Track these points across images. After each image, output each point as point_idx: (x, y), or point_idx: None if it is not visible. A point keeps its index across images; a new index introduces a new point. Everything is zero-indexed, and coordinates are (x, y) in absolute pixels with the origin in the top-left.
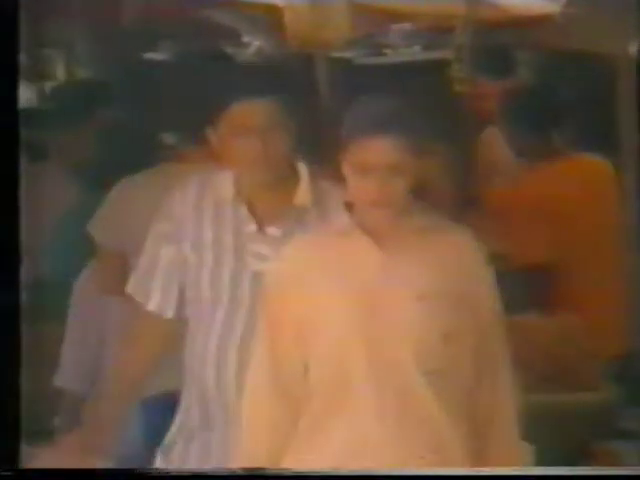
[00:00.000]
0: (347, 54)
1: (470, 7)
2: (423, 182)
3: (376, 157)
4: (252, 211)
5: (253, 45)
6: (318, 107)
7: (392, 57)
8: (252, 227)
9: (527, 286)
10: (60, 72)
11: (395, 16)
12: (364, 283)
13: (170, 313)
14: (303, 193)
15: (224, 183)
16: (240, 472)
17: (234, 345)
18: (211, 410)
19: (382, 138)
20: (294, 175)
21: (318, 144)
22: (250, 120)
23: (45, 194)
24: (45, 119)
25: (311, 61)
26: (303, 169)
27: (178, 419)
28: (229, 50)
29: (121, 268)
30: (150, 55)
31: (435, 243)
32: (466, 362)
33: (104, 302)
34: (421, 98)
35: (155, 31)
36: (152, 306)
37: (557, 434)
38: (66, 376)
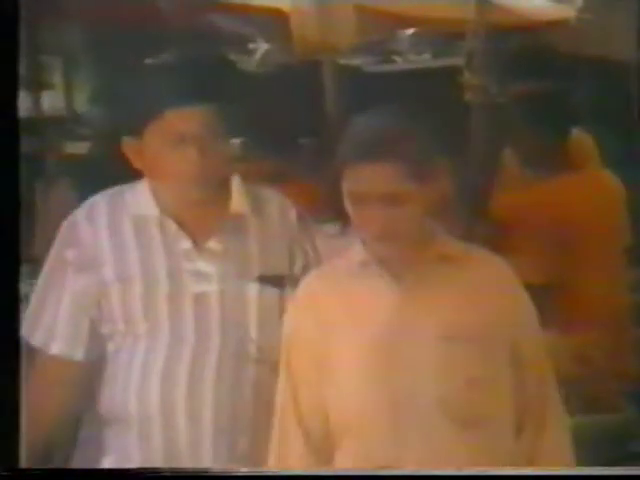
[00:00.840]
0: (355, 61)
1: (481, 11)
2: (435, 205)
3: (372, 185)
4: (182, 227)
5: (259, 52)
6: (325, 116)
7: (401, 64)
8: (186, 244)
9: (540, 304)
10: (58, 80)
11: (403, 21)
12: (381, 324)
13: (79, 355)
14: (238, 200)
15: (141, 199)
16: (241, 473)
17: (182, 383)
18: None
19: (377, 164)
20: (225, 186)
21: (325, 157)
22: (186, 127)
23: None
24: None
25: (318, 68)
26: (235, 180)
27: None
28: (233, 57)
29: None
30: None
31: (461, 274)
32: (500, 410)
33: None
34: (431, 107)
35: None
36: (55, 349)
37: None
38: None
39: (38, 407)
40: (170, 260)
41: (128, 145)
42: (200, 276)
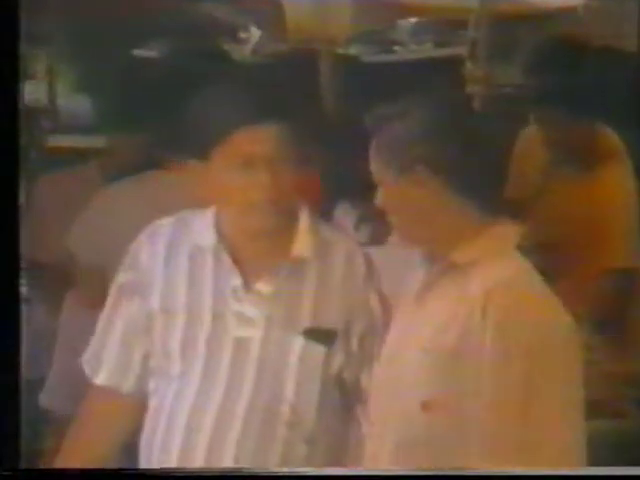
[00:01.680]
0: (353, 50)
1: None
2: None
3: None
4: (237, 262)
5: (251, 41)
6: (322, 109)
7: (401, 54)
8: (236, 281)
9: None
10: (41, 71)
11: (404, 9)
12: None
13: (126, 387)
14: (303, 242)
15: (203, 227)
16: (242, 472)
17: (205, 436)
18: None
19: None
20: (291, 220)
21: (324, 152)
22: (257, 148)
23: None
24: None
25: (314, 58)
26: (304, 213)
27: None
28: (226, 47)
29: (102, 283)
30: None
31: (461, 284)
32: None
33: (90, 319)
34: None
35: (145, 26)
36: (101, 379)
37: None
38: (52, 396)
39: (85, 439)
40: (217, 297)
41: (193, 169)
42: (243, 319)
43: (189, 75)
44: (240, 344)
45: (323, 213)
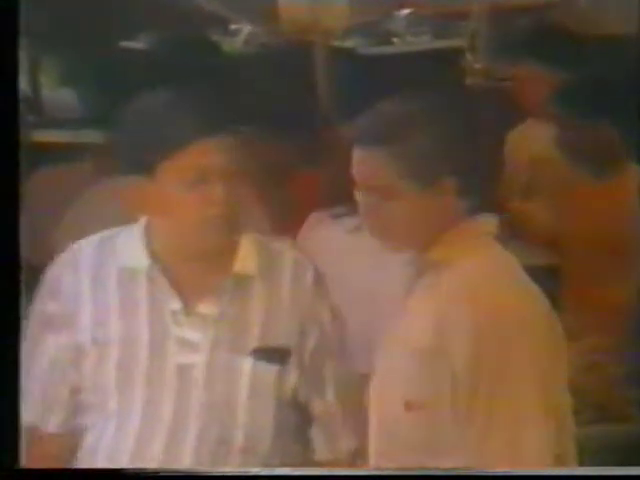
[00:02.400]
0: (348, 43)
1: None
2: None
3: (364, 175)
4: (175, 284)
5: (243, 33)
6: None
7: (398, 46)
8: (175, 304)
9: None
10: (23, 62)
11: (400, 0)
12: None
13: (52, 426)
14: (246, 258)
15: (131, 247)
16: (242, 473)
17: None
18: None
19: (373, 152)
20: (233, 235)
21: (316, 147)
22: (210, 160)
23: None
24: None
25: (309, 51)
26: (246, 227)
27: None
28: (216, 39)
29: None
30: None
31: (445, 279)
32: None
33: None
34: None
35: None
36: (27, 417)
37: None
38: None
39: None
40: (154, 323)
41: (134, 186)
42: (186, 344)
43: (177, 67)
44: (183, 371)
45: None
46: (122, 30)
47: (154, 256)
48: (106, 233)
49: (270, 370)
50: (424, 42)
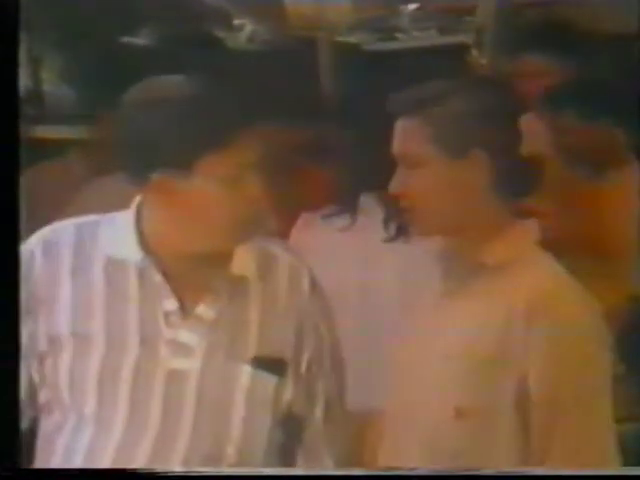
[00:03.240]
0: (353, 38)
1: None
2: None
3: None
4: (170, 282)
5: (246, 29)
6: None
7: (403, 42)
8: (171, 304)
9: None
10: (23, 57)
11: None
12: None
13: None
14: (243, 258)
15: (122, 238)
16: (242, 473)
17: None
18: None
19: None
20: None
21: (321, 143)
22: (249, 156)
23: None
24: None
25: (313, 46)
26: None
27: None
28: (219, 34)
29: None
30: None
31: (494, 286)
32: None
33: None
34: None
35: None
36: None
37: None
38: None
39: None
40: (146, 322)
41: (163, 182)
42: (180, 347)
43: (179, 64)
44: (175, 377)
45: (344, 209)
46: (123, 25)
47: (147, 250)
48: (86, 219)
49: (269, 381)
50: (429, 38)
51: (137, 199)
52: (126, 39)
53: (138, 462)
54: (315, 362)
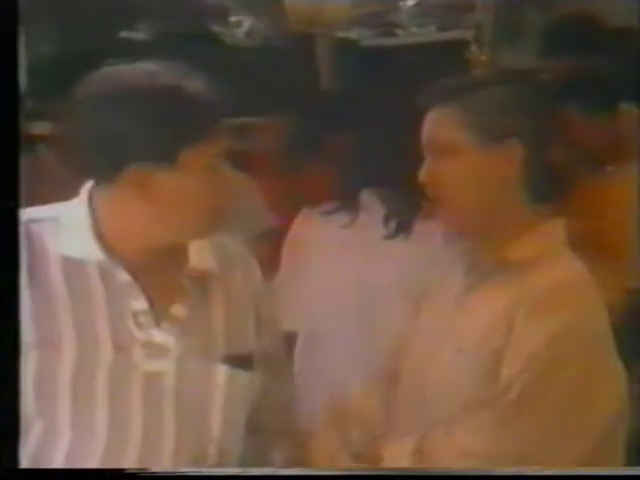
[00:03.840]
0: (352, 34)
1: None
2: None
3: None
4: (136, 280)
5: (244, 25)
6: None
7: (402, 38)
8: (140, 304)
9: None
10: (20, 52)
11: None
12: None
13: None
14: (201, 251)
15: (79, 236)
16: (242, 473)
17: None
18: None
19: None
20: None
21: (320, 142)
22: (226, 143)
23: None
24: None
25: (312, 42)
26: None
27: None
28: (216, 30)
29: None
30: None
31: (514, 283)
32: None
33: None
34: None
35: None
36: None
37: None
38: None
39: None
40: (115, 324)
41: (140, 177)
42: (155, 349)
43: (176, 59)
44: (152, 379)
45: (345, 205)
46: (122, 20)
47: (109, 248)
48: (33, 213)
49: (243, 378)
50: (429, 34)
51: (85, 194)
52: (125, 34)
53: (126, 465)
54: (274, 358)
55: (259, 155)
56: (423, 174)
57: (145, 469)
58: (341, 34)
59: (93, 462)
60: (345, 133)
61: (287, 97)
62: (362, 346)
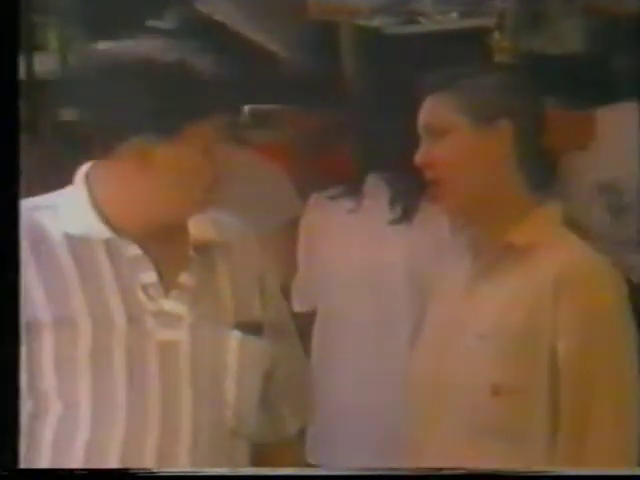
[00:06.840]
0: (375, 22)
1: None
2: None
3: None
4: (145, 254)
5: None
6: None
7: (425, 25)
8: (150, 276)
9: None
10: (53, 42)
11: None
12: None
13: None
14: (200, 220)
15: (81, 215)
16: (244, 473)
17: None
18: None
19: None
20: None
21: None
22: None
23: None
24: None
25: (334, 30)
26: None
27: None
28: None
29: None
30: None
31: (523, 268)
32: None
33: None
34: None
35: None
36: None
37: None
38: None
39: None
40: (127, 297)
41: (142, 151)
42: (167, 318)
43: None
44: (167, 348)
45: (351, 189)
46: (149, 8)
47: (112, 224)
48: (36, 201)
49: (256, 343)
50: (451, 21)
51: (83, 173)
52: (151, 22)
53: (149, 436)
54: (279, 318)
55: (282, 143)
56: (419, 157)
57: (145, 469)
58: (363, 22)
59: (116, 434)
60: (361, 119)
61: (310, 86)
62: (368, 331)
